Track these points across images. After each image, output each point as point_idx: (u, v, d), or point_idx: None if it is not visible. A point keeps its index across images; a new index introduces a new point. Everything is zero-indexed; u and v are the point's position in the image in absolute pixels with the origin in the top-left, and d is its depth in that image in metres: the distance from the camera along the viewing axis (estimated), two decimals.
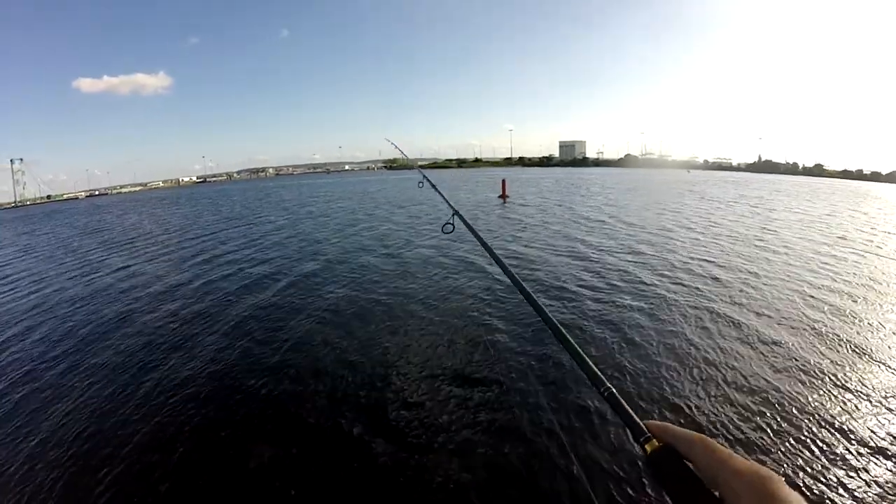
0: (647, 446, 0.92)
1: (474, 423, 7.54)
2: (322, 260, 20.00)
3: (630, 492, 5.65)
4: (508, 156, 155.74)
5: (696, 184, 62.89)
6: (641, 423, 0.96)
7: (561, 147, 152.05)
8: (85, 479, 6.75)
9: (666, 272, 15.87)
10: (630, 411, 1.05)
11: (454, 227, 4.20)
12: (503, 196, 44.76)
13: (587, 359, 1.45)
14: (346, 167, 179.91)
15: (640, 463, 5.96)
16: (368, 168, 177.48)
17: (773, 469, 0.80)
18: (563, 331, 1.63)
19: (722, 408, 7.62)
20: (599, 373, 1.33)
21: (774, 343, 10.17)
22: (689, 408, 7.60)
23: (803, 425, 7.09)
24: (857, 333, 10.72)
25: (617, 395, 1.19)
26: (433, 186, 6.82)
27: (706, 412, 7.45)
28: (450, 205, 4.63)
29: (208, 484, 6.65)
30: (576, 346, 1.50)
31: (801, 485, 5.89)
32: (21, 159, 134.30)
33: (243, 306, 14.41)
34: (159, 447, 7.53)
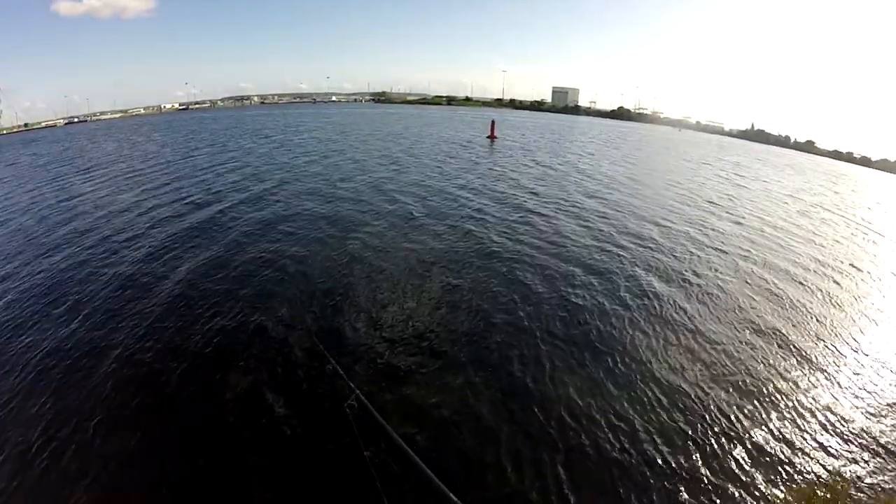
0: None
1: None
2: (281, 189, 20.09)
3: None
4: (500, 97, 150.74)
5: (681, 143, 62.53)
6: None
7: (554, 93, 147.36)
8: (68, 415, 6.91)
9: (609, 227, 16.23)
10: None
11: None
12: (491, 136, 44.43)
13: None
14: (334, 98, 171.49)
15: None
16: (356, 100, 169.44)
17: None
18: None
19: (642, 365, 8.27)
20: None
21: (694, 307, 10.56)
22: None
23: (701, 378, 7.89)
24: (785, 307, 11.13)
25: None
26: None
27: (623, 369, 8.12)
28: None
29: (187, 414, 6.92)
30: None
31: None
32: None
33: (206, 236, 14.40)
34: (135, 379, 7.66)
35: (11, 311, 9.98)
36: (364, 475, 5.38)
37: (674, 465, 6.20)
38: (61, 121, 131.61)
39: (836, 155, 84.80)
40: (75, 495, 5.67)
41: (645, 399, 7.33)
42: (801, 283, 12.79)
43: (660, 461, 6.23)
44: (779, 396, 7.67)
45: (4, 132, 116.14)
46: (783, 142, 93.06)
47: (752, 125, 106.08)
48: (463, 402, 7.09)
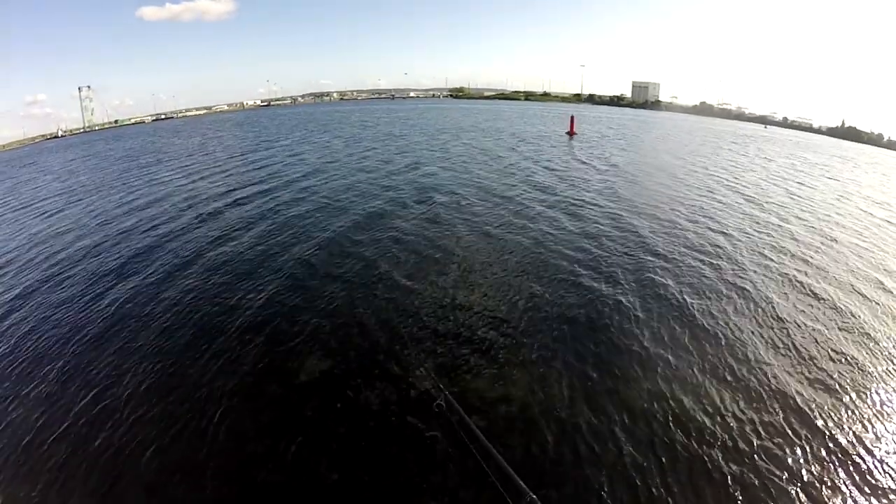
0: None
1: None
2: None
3: None
4: (578, 91, 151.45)
5: (756, 138, 59.36)
6: None
7: (633, 87, 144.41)
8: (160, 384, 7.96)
9: (654, 221, 16.68)
10: None
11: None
12: (571, 132, 46.69)
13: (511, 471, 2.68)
14: (412, 94, 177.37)
15: None
16: (434, 95, 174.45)
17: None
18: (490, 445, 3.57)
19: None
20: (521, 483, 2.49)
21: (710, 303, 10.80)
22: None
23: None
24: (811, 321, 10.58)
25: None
26: None
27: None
28: None
29: (262, 395, 7.46)
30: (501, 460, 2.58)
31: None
32: (89, 86, 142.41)
33: (295, 230, 15.64)
34: (217, 362, 8.33)
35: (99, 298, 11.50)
36: (447, 471, 5.64)
37: (745, 463, 6.37)
38: (149, 117, 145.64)
39: None
40: (154, 465, 6.42)
41: (722, 402, 7.53)
42: (868, 293, 12.26)
43: (743, 460, 6.44)
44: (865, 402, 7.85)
45: (97, 128, 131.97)
46: (876, 140, 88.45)
47: (843, 122, 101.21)
48: (548, 400, 7.34)
